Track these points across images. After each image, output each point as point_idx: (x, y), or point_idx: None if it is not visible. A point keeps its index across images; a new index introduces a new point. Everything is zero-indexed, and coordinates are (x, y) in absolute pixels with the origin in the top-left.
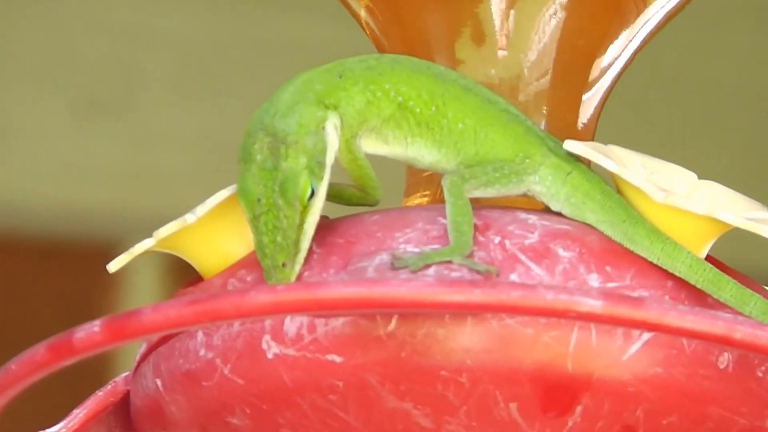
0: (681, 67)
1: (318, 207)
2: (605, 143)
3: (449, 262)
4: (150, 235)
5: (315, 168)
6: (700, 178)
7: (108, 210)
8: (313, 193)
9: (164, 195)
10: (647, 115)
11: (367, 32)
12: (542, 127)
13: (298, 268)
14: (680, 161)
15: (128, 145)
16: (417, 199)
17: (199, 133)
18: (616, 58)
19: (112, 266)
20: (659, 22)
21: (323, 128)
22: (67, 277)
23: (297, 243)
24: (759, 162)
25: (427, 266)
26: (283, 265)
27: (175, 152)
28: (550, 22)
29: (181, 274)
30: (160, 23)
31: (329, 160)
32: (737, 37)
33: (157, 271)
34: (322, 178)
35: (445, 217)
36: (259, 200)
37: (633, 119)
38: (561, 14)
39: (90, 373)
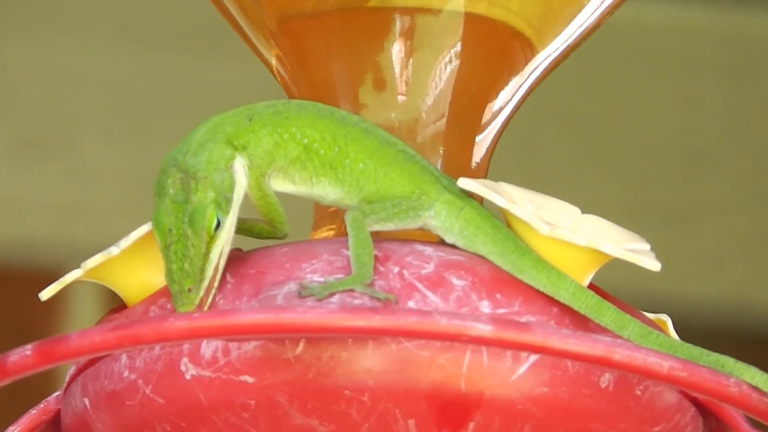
0: (568, 107)
1: (223, 238)
2: (496, 180)
3: (352, 290)
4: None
5: (222, 202)
6: (584, 211)
7: (46, 240)
8: (219, 225)
9: (97, 226)
10: (537, 153)
11: (278, 79)
12: (438, 166)
13: (203, 293)
14: (567, 195)
15: (64, 180)
16: (324, 233)
17: (129, 169)
18: (506, 103)
19: (44, 294)
20: (545, 69)
21: (231, 166)
22: (7, 302)
23: (202, 270)
24: (642, 194)
25: (332, 294)
26: (189, 290)
27: (107, 186)
28: (445, 69)
29: (116, 301)
30: (92, 68)
31: (236, 195)
32: (621, 78)
33: (94, 298)
34: (228, 212)
35: (348, 249)
36: (170, 230)
37: (524, 157)
38: (455, 62)
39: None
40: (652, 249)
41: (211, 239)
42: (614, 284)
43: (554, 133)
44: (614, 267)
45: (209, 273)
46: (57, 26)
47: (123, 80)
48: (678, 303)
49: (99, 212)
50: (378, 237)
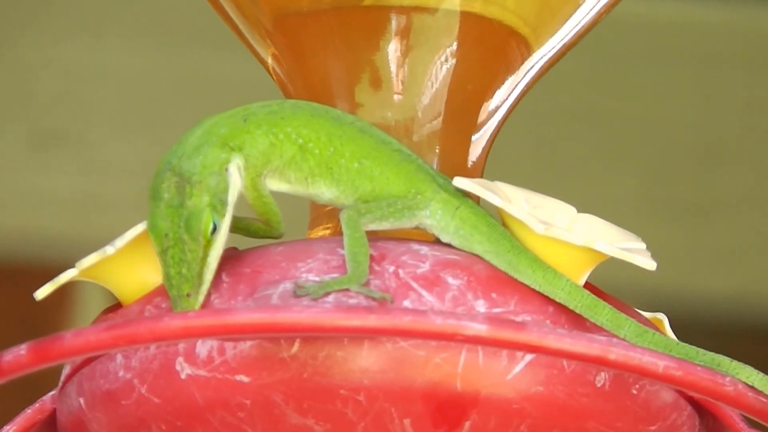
0: (585, 102)
1: (220, 242)
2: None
3: (347, 289)
4: None
5: (217, 205)
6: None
7: (60, 234)
8: (215, 229)
9: (112, 220)
10: (554, 148)
11: (274, 78)
12: (434, 165)
13: (201, 298)
14: (584, 190)
15: (79, 174)
16: (320, 232)
17: (143, 163)
18: (503, 102)
19: (39, 294)
20: (541, 68)
21: (226, 169)
22: (21, 296)
23: (200, 275)
24: (659, 189)
25: (327, 294)
26: (188, 295)
27: (122, 181)
28: (441, 68)
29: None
30: (107, 63)
31: (231, 198)
32: (638, 73)
33: (105, 294)
34: (224, 215)
35: (343, 248)
36: (166, 235)
37: (540, 152)
38: (451, 61)
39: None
40: (669, 244)
41: (208, 243)
42: (629, 280)
43: (571, 129)
44: (628, 263)
45: (208, 277)
46: (72, 22)
47: (138, 75)
48: (695, 298)
49: (114, 206)
50: (374, 236)
